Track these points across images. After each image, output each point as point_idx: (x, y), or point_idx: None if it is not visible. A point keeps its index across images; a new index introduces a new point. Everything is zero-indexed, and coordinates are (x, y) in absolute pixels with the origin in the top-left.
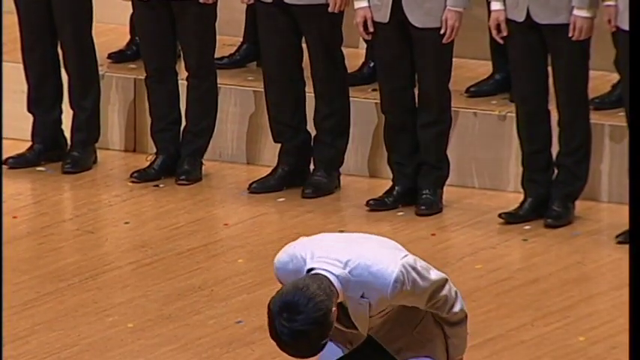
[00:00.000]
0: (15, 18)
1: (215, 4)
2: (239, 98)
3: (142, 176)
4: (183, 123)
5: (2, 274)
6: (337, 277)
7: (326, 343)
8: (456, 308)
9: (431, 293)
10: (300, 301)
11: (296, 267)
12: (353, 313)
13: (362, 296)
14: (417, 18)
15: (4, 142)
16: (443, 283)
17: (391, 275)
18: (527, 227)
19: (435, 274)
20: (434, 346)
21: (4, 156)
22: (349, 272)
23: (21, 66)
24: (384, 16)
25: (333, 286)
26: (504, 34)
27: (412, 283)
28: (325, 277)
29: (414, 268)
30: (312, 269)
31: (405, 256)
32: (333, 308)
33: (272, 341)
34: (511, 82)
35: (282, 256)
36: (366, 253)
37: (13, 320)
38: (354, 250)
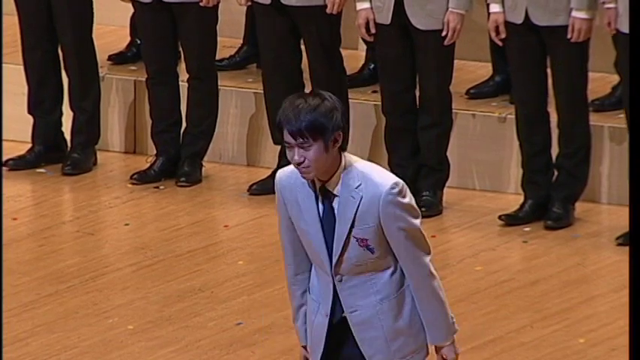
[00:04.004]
0: (15, 19)
1: (216, 6)
2: (239, 100)
3: (142, 178)
4: (184, 125)
5: (2, 276)
6: (346, 155)
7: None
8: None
9: (414, 240)
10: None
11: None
12: (342, 207)
13: (357, 187)
14: (418, 20)
15: (4, 143)
16: (427, 247)
17: (393, 179)
18: (527, 229)
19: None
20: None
21: (5, 158)
22: (356, 161)
23: (21, 68)
24: (385, 17)
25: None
26: (503, 36)
27: (406, 202)
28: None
29: (414, 205)
30: None
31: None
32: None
33: (272, 343)
34: (511, 84)
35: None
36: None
37: (13, 322)
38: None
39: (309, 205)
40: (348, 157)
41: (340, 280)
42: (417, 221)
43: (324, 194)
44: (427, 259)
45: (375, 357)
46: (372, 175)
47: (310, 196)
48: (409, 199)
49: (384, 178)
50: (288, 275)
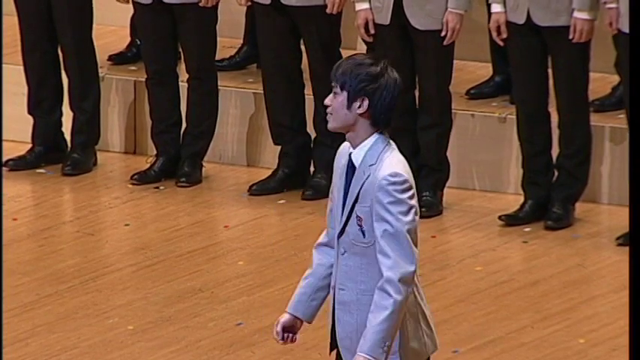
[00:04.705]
0: (15, 20)
1: (215, 6)
2: (239, 100)
3: (142, 178)
4: (184, 125)
5: (2, 276)
6: (381, 137)
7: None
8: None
9: (394, 240)
10: None
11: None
12: (355, 180)
13: (371, 165)
14: (418, 20)
15: (5, 144)
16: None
17: (401, 170)
18: (527, 229)
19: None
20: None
21: (5, 158)
22: (388, 147)
23: (21, 68)
24: (385, 18)
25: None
26: (504, 36)
27: (401, 197)
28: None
29: (411, 207)
30: None
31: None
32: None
33: (272, 343)
34: (511, 84)
35: None
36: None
37: (13, 322)
38: None
39: (342, 172)
40: (384, 140)
41: (342, 254)
42: (406, 222)
43: (350, 165)
44: (402, 269)
45: (344, 341)
46: (388, 161)
47: (345, 165)
48: (407, 197)
49: (394, 166)
50: (317, 241)
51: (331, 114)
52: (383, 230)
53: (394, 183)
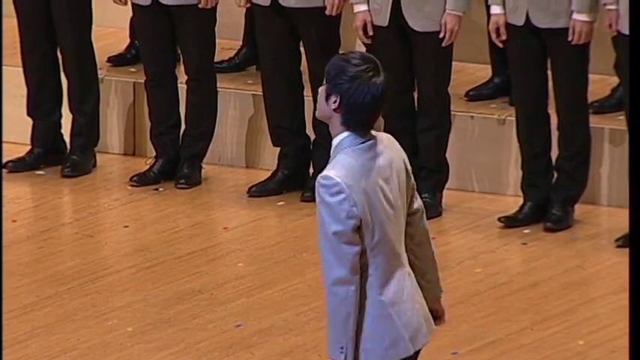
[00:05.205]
0: (15, 21)
1: (214, 8)
2: (238, 102)
3: (141, 180)
4: (183, 127)
5: (2, 278)
6: (349, 136)
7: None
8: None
9: (325, 244)
10: None
11: None
12: None
13: (328, 163)
14: (416, 22)
15: (4, 146)
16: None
17: (334, 174)
18: (526, 231)
19: (336, 229)
20: None
21: (4, 160)
22: (349, 146)
23: (21, 70)
24: (383, 19)
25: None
26: (504, 38)
27: (327, 200)
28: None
29: (341, 210)
30: None
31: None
32: None
33: (272, 345)
34: (511, 86)
35: None
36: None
37: (12, 324)
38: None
39: None
40: (352, 140)
41: None
42: (334, 225)
43: None
44: (333, 272)
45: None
46: (334, 162)
47: None
48: (336, 200)
49: (331, 168)
50: None
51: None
52: (318, 232)
53: (323, 185)
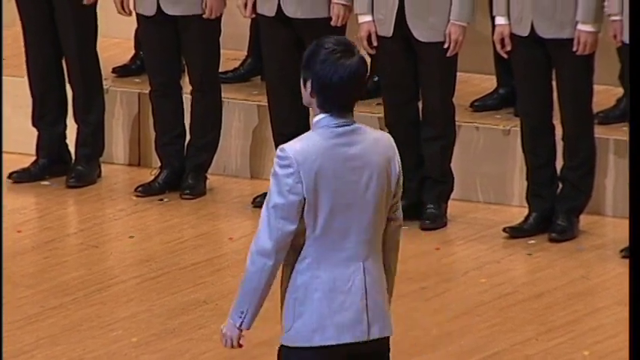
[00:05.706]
0: (20, 32)
1: (219, 18)
2: (243, 112)
3: (146, 190)
4: (188, 137)
5: (2, 286)
6: (324, 117)
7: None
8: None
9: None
10: None
11: None
12: None
13: None
14: (420, 32)
15: (9, 156)
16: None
17: (290, 147)
18: (531, 241)
19: (277, 199)
20: None
21: (9, 170)
22: (319, 124)
23: (25, 80)
24: (387, 30)
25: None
26: (509, 48)
27: (275, 169)
28: None
29: (285, 184)
30: None
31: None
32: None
33: (274, 357)
34: (515, 97)
35: None
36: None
37: (17, 335)
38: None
39: None
40: (327, 122)
41: None
42: (275, 197)
43: None
44: (260, 241)
45: None
46: (302, 135)
47: None
48: (283, 173)
49: (293, 142)
50: None
51: None
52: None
53: (277, 156)
